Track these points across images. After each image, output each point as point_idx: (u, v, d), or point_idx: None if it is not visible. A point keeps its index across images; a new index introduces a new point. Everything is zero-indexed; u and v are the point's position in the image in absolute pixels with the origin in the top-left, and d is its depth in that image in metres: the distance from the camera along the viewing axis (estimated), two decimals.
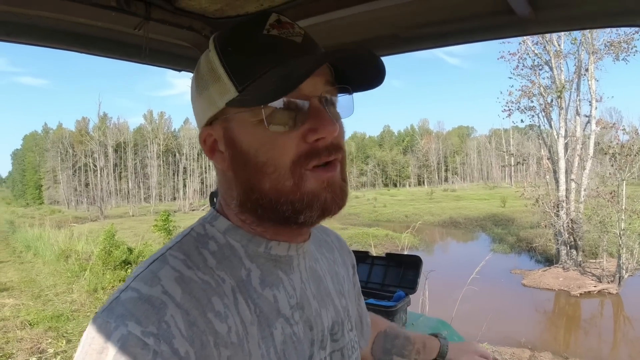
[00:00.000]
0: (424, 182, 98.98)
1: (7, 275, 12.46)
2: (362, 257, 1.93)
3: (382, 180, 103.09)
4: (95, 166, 66.28)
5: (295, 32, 0.70)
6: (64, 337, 7.09)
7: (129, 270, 11.04)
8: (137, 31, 1.23)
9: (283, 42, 0.68)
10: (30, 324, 7.71)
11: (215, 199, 1.59)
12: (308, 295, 0.77)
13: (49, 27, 1.28)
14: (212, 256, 0.69)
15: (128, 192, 73.08)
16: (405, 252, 7.45)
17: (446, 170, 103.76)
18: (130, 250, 12.87)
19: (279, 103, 0.65)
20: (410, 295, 1.74)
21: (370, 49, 1.38)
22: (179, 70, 1.70)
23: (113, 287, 10.15)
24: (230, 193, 0.72)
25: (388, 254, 1.87)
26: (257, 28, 0.68)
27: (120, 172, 76.74)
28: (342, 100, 0.74)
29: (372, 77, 0.72)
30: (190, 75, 1.77)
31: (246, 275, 0.70)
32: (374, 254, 1.93)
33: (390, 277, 1.81)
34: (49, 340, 6.89)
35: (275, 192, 0.67)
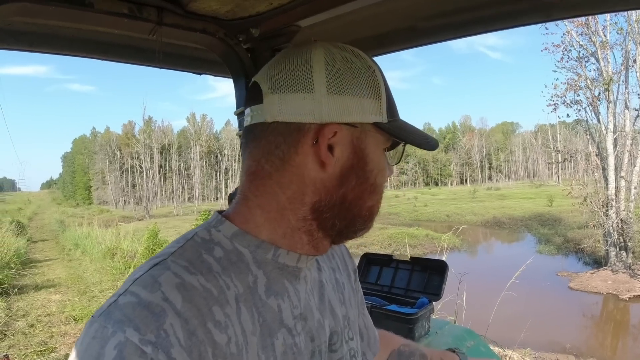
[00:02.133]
0: (466, 181, 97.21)
1: (56, 272, 12.97)
2: (386, 261, 1.88)
3: (423, 179, 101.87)
4: (142, 168, 68.40)
5: None
6: None
7: (141, 266, 11.34)
8: (152, 37, 1.23)
9: None
10: (74, 319, 7.98)
11: (233, 200, 1.59)
12: (312, 306, 0.75)
13: (69, 37, 1.31)
14: (217, 262, 0.67)
15: (172, 192, 74.97)
16: (446, 254, 7.27)
17: (490, 168, 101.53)
18: None
19: (395, 143, 0.78)
20: (443, 301, 1.68)
21: (387, 42, 1.35)
22: (199, 74, 1.71)
23: None
24: (302, 196, 0.70)
25: (413, 258, 1.82)
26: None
27: (165, 173, 78.99)
28: None
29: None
30: (212, 77, 1.77)
31: (253, 282, 0.68)
32: (399, 258, 1.88)
33: (414, 282, 1.76)
34: None
35: (369, 211, 0.75)
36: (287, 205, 0.70)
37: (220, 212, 0.74)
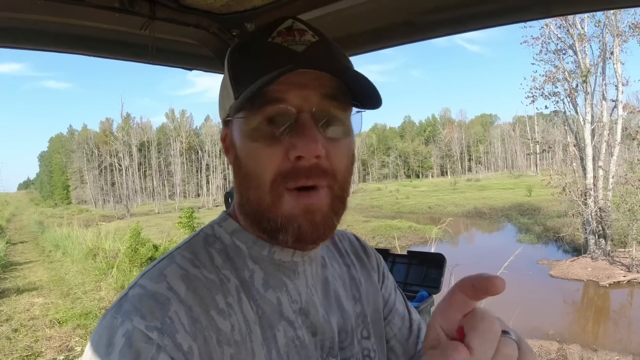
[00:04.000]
0: (447, 173, 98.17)
1: (37, 274, 12.71)
2: (382, 255, 1.88)
3: (404, 172, 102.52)
4: (121, 165, 67.41)
5: (302, 41, 0.66)
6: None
7: (153, 261, 11.25)
8: (143, 31, 1.20)
9: (280, 51, 0.65)
10: (59, 322, 7.84)
11: (230, 199, 1.57)
12: (314, 301, 0.75)
13: (56, 32, 1.27)
14: (218, 256, 0.70)
15: (153, 190, 74.15)
16: (433, 246, 7.34)
17: (469, 160, 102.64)
18: (156, 247, 13.04)
19: (264, 115, 0.63)
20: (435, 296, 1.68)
21: (383, 38, 1.34)
22: (190, 69, 1.67)
23: None
24: (240, 194, 0.73)
25: (410, 252, 1.82)
26: (265, 35, 0.67)
27: (145, 171, 78.01)
28: (352, 118, 0.70)
29: (369, 95, 0.67)
30: (202, 73, 1.74)
31: (249, 276, 0.70)
32: (397, 252, 1.88)
33: (412, 276, 1.75)
34: (77, 339, 7.01)
35: (256, 206, 0.67)
36: (241, 202, 0.72)
37: (227, 210, 0.78)
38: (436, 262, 1.73)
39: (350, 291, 0.84)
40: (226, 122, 0.72)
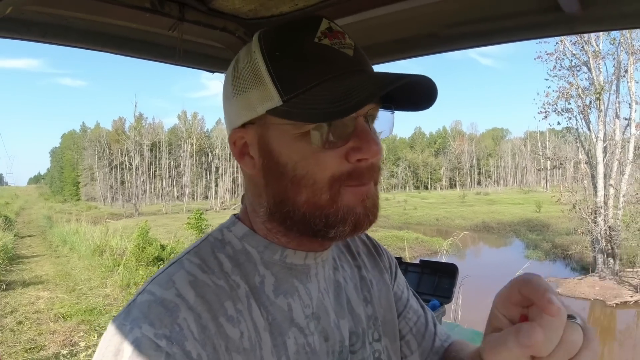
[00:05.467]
0: (456, 185, 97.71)
1: (44, 268, 12.83)
2: None
3: (413, 183, 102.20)
4: (131, 165, 67.84)
5: (347, 44, 0.67)
6: (95, 330, 7.22)
7: (161, 267, 11.25)
8: (171, 32, 1.22)
9: (335, 54, 0.65)
10: (63, 317, 7.90)
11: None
12: (326, 305, 0.75)
13: (84, 29, 1.28)
14: (228, 262, 0.69)
15: (162, 190, 74.44)
16: (443, 257, 7.31)
17: (479, 173, 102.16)
18: (163, 247, 13.08)
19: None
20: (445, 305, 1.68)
21: (408, 48, 1.35)
22: (212, 72, 1.69)
23: None
24: (259, 200, 0.71)
25: (422, 261, 1.82)
26: (309, 35, 0.65)
27: (154, 171, 78.39)
28: (382, 117, 0.71)
29: (421, 101, 0.69)
30: (215, 76, 1.76)
31: (259, 282, 0.69)
32: (408, 261, 1.88)
33: (424, 285, 1.76)
34: (81, 334, 7.05)
35: (310, 205, 0.66)
36: (256, 207, 0.72)
37: (236, 214, 0.77)
38: (448, 272, 1.73)
39: (361, 293, 0.84)
40: (251, 124, 0.68)
